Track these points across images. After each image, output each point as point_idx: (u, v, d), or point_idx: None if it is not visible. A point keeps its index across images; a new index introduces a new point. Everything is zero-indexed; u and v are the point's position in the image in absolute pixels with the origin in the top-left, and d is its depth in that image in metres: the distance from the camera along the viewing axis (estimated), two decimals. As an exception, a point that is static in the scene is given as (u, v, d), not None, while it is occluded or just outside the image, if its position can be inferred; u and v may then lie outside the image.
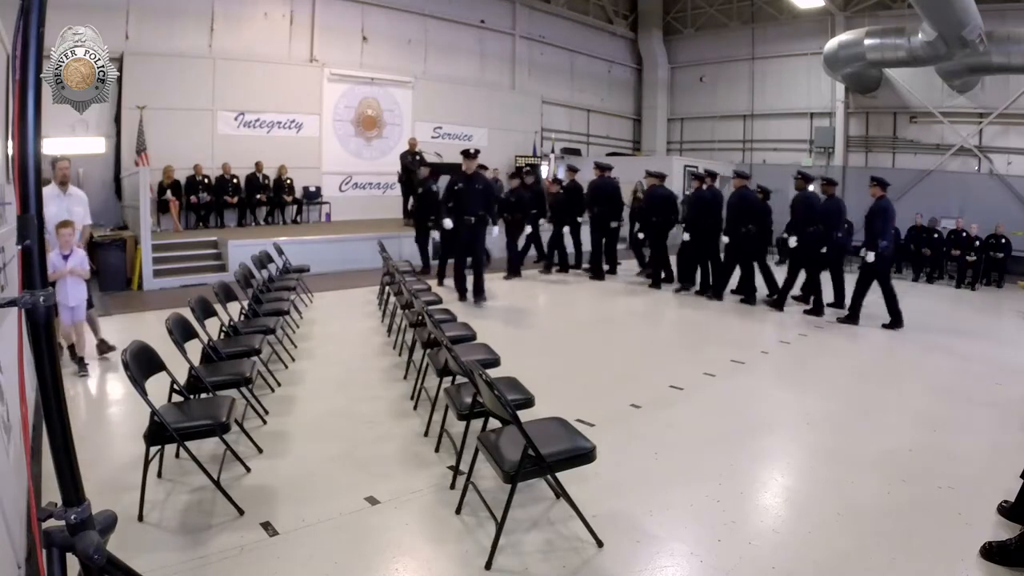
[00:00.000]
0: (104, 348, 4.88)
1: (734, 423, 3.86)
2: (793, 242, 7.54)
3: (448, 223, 7.19)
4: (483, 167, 9.00)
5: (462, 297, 7.24)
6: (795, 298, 7.89)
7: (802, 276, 7.69)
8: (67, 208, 4.71)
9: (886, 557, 2.42)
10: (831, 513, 2.75)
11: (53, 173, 4.71)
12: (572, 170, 9.92)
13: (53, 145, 7.20)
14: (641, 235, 9.79)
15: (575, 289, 8.86)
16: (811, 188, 7.79)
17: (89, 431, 3.54)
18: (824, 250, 7.38)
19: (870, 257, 6.71)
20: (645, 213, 9.15)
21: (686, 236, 8.41)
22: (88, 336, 4.74)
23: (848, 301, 7.16)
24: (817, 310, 7.35)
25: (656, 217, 8.82)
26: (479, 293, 7.22)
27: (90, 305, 4.80)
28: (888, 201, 6.91)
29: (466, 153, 7.17)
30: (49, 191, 4.65)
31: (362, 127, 12.57)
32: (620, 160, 13.48)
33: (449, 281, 7.91)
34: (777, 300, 7.66)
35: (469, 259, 7.40)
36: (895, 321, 6.77)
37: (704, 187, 8.33)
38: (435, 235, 8.79)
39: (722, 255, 8.19)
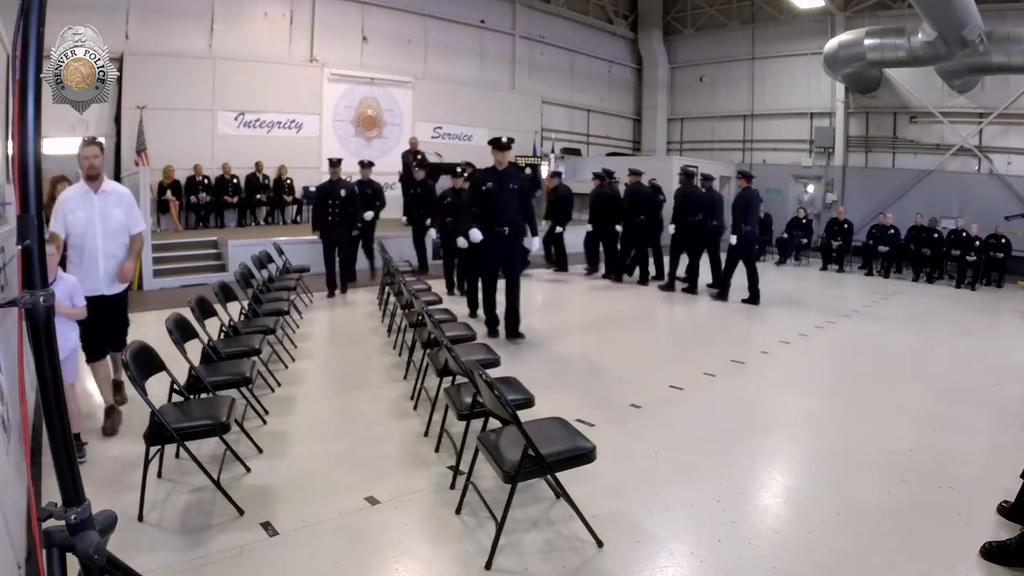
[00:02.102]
0: (111, 412, 3.52)
1: (734, 423, 3.86)
2: (672, 229, 8.68)
3: (476, 235, 5.52)
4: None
5: (492, 332, 5.74)
6: (679, 279, 8.70)
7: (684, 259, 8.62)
8: (101, 211, 3.49)
9: (886, 557, 2.42)
10: (831, 513, 2.75)
11: (78, 164, 3.44)
12: (635, 174, 9.35)
13: (53, 145, 7.18)
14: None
15: (571, 289, 8.86)
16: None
17: (89, 431, 3.54)
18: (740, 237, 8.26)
19: (732, 239, 7.76)
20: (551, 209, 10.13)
21: (589, 227, 9.59)
22: (89, 397, 3.78)
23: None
24: (691, 288, 8.44)
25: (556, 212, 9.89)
26: (515, 328, 5.65)
27: (121, 346, 3.56)
28: (751, 191, 7.85)
29: (496, 143, 5.52)
30: (75, 191, 3.51)
31: (362, 127, 12.57)
32: (620, 160, 13.50)
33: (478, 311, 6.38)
34: (668, 283, 8.70)
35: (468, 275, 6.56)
36: (753, 297, 7.73)
37: (604, 184, 9.57)
38: (461, 242, 7.23)
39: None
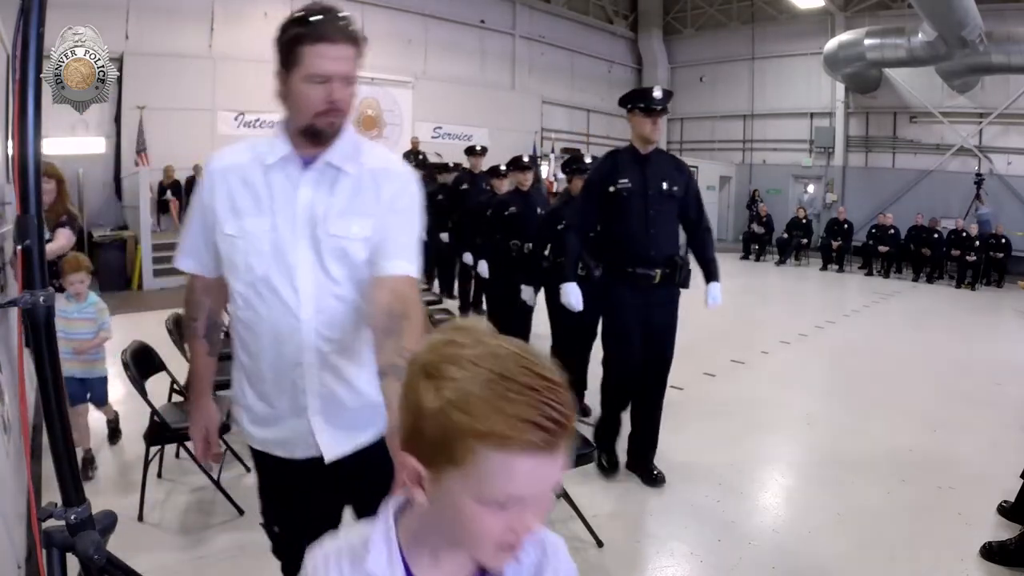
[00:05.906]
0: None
1: (734, 423, 3.86)
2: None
3: (576, 297, 3.03)
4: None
5: (609, 465, 3.10)
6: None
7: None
8: (307, 218, 1.28)
9: (886, 557, 2.42)
10: (831, 513, 2.75)
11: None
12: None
13: (53, 145, 7.16)
14: None
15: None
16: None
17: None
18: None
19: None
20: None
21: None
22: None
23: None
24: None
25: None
26: (647, 458, 3.05)
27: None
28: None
29: (642, 101, 2.90)
30: (242, 158, 1.32)
31: (362, 127, 12.55)
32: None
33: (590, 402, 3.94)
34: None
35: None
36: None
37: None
38: (527, 295, 4.07)
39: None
